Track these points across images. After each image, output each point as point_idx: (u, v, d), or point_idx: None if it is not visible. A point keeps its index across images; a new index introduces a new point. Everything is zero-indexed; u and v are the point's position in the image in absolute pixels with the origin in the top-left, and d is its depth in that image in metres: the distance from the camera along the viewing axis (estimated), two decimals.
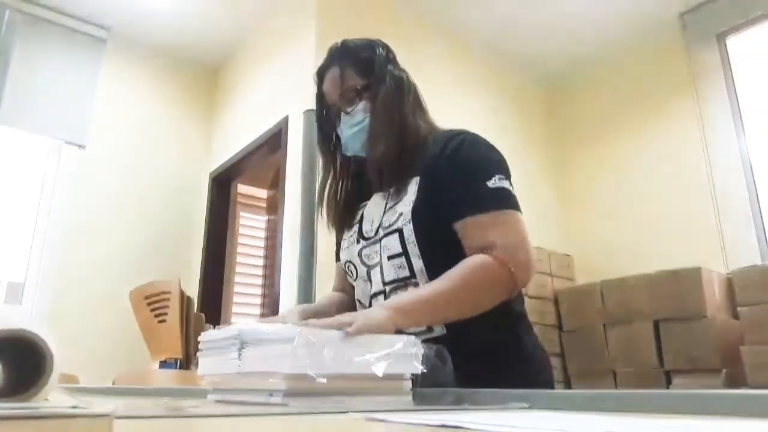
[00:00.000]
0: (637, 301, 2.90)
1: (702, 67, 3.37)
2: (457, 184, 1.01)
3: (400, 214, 1.04)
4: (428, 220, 1.02)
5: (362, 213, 1.15)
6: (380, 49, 1.19)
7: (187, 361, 2.50)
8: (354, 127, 1.13)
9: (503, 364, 0.99)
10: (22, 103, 3.20)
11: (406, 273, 1.02)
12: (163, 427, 0.47)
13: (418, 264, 1.01)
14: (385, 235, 1.06)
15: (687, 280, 2.71)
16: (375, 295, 1.07)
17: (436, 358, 0.78)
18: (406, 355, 0.71)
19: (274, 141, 3.21)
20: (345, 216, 1.18)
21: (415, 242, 1.01)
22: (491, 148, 1.09)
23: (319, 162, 1.30)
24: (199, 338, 0.80)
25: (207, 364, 0.78)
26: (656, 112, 3.57)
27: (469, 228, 0.99)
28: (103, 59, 3.59)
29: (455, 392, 0.75)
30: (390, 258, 1.04)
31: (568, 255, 3.66)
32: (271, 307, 2.98)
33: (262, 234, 4.14)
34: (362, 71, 1.15)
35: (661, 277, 2.83)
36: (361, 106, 1.13)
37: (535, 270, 1.00)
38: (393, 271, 1.04)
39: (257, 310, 3.99)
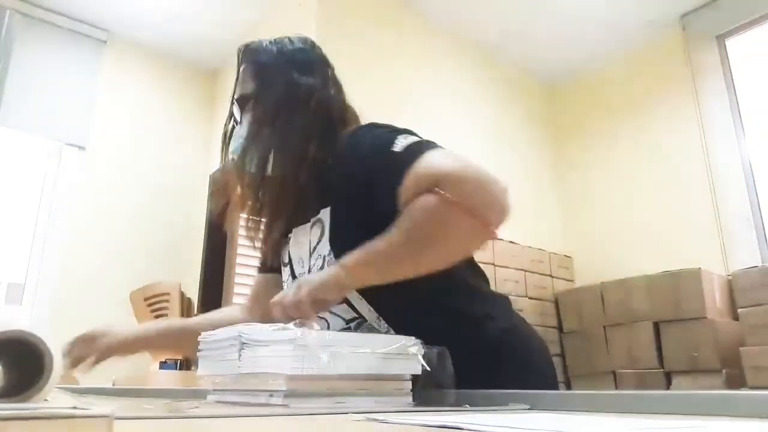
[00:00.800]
0: (637, 302, 2.90)
1: (702, 68, 3.37)
2: (374, 178, 0.87)
3: (324, 259, 0.92)
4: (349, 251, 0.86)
5: (288, 254, 1.02)
6: (287, 46, 1.02)
7: (187, 361, 2.50)
8: (238, 141, 0.99)
9: (469, 347, 0.84)
10: (22, 104, 3.20)
11: (353, 314, 0.92)
12: (163, 428, 0.47)
13: (362, 306, 0.90)
14: None
15: (687, 281, 2.72)
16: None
17: (437, 359, 0.78)
18: (406, 355, 0.71)
19: None
20: (274, 254, 1.06)
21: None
22: (377, 124, 0.96)
23: None
24: (199, 339, 0.80)
25: (207, 365, 0.78)
26: (656, 114, 3.57)
27: (405, 194, 0.82)
28: (103, 61, 3.60)
29: (455, 393, 0.75)
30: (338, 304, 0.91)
31: (568, 256, 3.66)
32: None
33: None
34: (258, 78, 1.00)
35: (661, 279, 2.83)
36: (246, 117, 0.99)
37: (493, 181, 0.80)
38: (341, 314, 0.93)
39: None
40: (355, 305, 0.91)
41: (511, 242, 3.23)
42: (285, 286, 1.03)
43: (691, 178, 3.31)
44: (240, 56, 1.05)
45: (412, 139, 0.88)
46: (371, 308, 0.90)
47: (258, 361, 0.68)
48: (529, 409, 0.63)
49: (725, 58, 3.33)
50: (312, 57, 1.04)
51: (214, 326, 1.00)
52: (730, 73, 3.29)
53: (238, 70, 1.04)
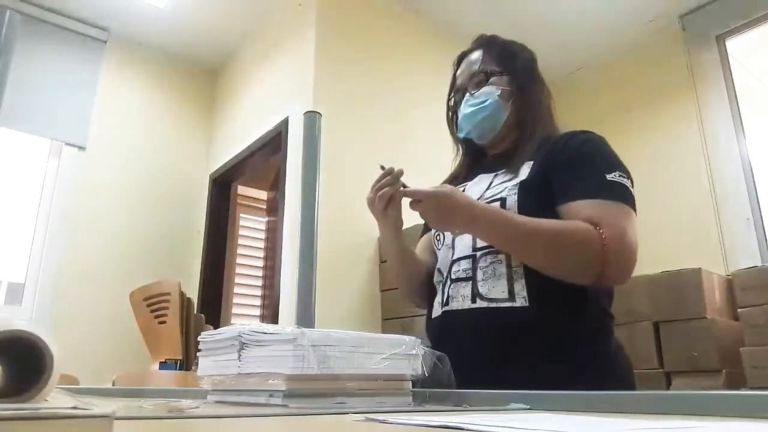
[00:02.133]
0: (636, 302, 2.90)
1: (702, 68, 3.37)
2: (573, 171, 0.99)
3: (506, 187, 1.02)
4: (534, 197, 0.99)
5: (463, 188, 1.14)
6: (526, 50, 1.21)
7: (187, 361, 2.50)
8: (472, 107, 1.13)
9: (585, 361, 0.94)
10: (22, 104, 3.20)
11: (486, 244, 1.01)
12: (163, 428, 0.47)
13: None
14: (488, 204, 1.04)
15: (687, 281, 2.71)
16: (457, 260, 1.05)
17: (437, 361, 0.78)
18: (406, 356, 0.71)
19: (275, 142, 3.21)
20: None
21: (515, 213, 0.99)
22: (610, 146, 1.09)
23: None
24: (199, 339, 0.80)
25: (207, 365, 0.78)
26: (656, 114, 3.57)
27: (575, 210, 0.95)
28: (103, 61, 3.60)
29: (456, 393, 0.75)
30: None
31: None
32: (271, 308, 2.98)
33: (262, 235, 4.13)
34: (501, 60, 1.16)
35: (661, 279, 2.83)
36: (488, 89, 1.14)
37: (631, 272, 0.98)
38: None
39: (257, 311, 3.99)
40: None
41: None
42: None
43: (691, 178, 3.31)
44: (485, 41, 1.23)
45: (625, 181, 1.01)
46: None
47: (258, 361, 0.68)
48: (529, 409, 0.63)
49: (725, 58, 3.32)
50: (536, 59, 1.23)
51: (421, 263, 1.22)
52: (730, 73, 3.29)
53: (469, 53, 1.24)
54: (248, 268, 4.06)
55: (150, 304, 2.70)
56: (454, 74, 1.26)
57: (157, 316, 2.66)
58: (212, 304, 3.57)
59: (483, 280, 0.99)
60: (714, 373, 2.54)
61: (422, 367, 0.73)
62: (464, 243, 1.06)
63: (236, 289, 3.86)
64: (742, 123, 3.20)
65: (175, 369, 2.53)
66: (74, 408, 0.27)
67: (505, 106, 1.13)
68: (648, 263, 3.04)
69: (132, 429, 0.42)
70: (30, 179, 3.34)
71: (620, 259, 0.93)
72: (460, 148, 1.25)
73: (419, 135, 3.23)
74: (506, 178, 1.05)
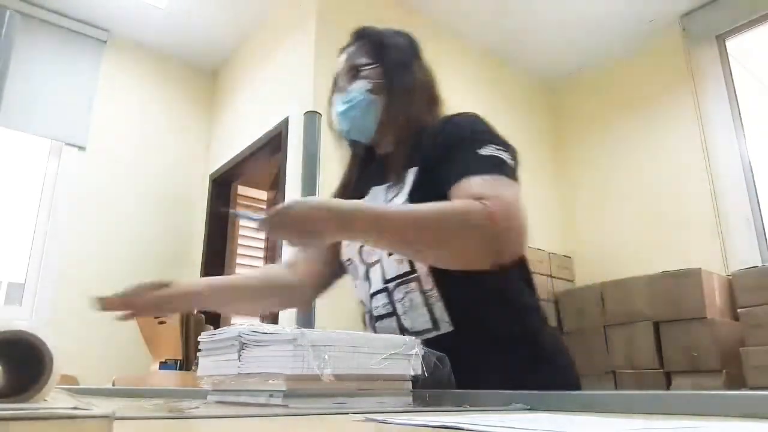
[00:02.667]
0: (637, 302, 2.90)
1: (702, 68, 3.37)
2: (450, 160, 0.94)
3: (397, 204, 0.99)
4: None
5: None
6: (401, 38, 1.15)
7: (187, 362, 2.50)
8: (344, 105, 1.08)
9: (522, 367, 0.91)
10: (22, 104, 3.20)
11: (406, 268, 0.97)
12: (163, 428, 0.47)
13: (421, 268, 0.96)
14: (375, 265, 1.00)
15: (687, 281, 2.71)
16: (375, 293, 1.02)
17: (437, 361, 0.78)
18: (406, 356, 0.71)
19: (274, 142, 3.21)
20: None
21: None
22: (482, 122, 1.03)
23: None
24: (199, 339, 0.80)
25: (207, 365, 0.78)
26: (656, 114, 3.57)
27: (455, 194, 0.90)
28: (103, 61, 3.60)
29: (455, 393, 0.75)
30: (390, 254, 0.99)
31: (568, 256, 3.66)
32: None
33: (262, 235, 4.14)
34: (373, 54, 1.10)
35: (661, 279, 2.83)
36: (359, 84, 1.08)
37: (523, 241, 0.90)
38: (393, 266, 0.98)
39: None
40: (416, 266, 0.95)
41: None
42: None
43: (691, 179, 3.31)
44: (358, 35, 1.16)
45: (499, 154, 0.93)
46: (430, 273, 0.95)
47: (258, 361, 0.68)
48: (529, 409, 0.63)
49: (725, 58, 3.33)
50: (417, 45, 1.16)
51: (267, 285, 1.17)
52: (730, 73, 3.29)
53: (352, 46, 1.13)
54: (248, 268, 4.06)
55: None
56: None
57: (156, 316, 2.66)
58: None
59: (404, 313, 0.97)
60: (714, 373, 2.55)
61: (422, 367, 0.73)
62: (377, 275, 1.01)
63: None
64: (742, 123, 3.20)
65: (175, 369, 2.53)
66: (74, 408, 0.27)
67: (376, 100, 1.07)
68: (648, 263, 3.06)
69: (132, 429, 0.43)
70: (30, 179, 3.34)
71: (510, 228, 0.86)
72: (349, 150, 1.18)
73: None
74: (395, 191, 1.00)
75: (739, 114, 3.22)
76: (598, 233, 3.71)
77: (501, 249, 0.86)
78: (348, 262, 1.11)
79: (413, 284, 0.96)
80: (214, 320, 3.43)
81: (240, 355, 0.70)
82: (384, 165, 1.07)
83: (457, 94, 4.05)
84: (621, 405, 0.58)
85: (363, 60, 1.09)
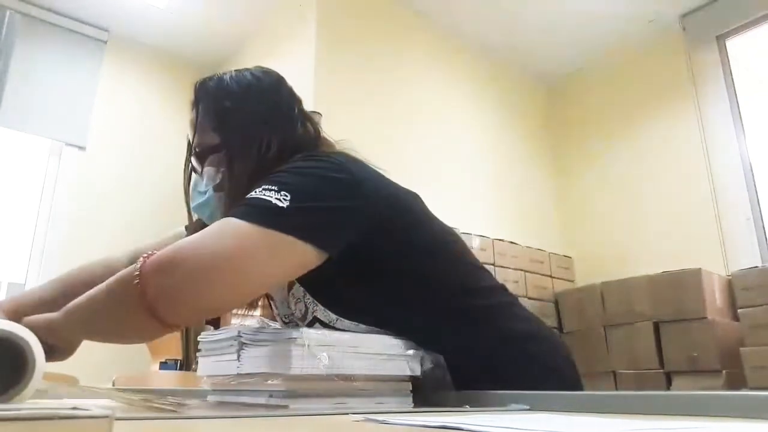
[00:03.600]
0: (637, 302, 2.90)
1: (702, 68, 3.37)
2: None
3: (304, 302, 0.87)
4: (322, 285, 0.82)
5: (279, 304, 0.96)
6: (253, 86, 0.91)
7: (187, 361, 2.50)
8: (199, 198, 0.91)
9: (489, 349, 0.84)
10: (22, 104, 3.19)
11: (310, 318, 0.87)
12: (163, 429, 0.47)
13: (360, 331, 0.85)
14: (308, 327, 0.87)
15: (687, 281, 2.71)
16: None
17: (434, 361, 0.78)
18: (406, 356, 0.71)
19: None
20: None
21: (339, 317, 0.83)
22: (292, 164, 0.80)
23: None
24: (198, 339, 0.80)
25: (207, 365, 0.78)
26: (656, 114, 3.57)
27: None
28: (104, 61, 3.59)
29: (455, 394, 0.75)
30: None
31: (568, 256, 3.66)
32: (270, 308, 2.97)
33: None
34: (218, 125, 0.89)
35: (662, 279, 2.83)
36: (206, 171, 0.89)
37: (206, 303, 0.70)
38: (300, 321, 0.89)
39: (257, 311, 3.98)
40: (337, 327, 0.83)
41: (511, 242, 3.23)
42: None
43: (691, 179, 3.31)
44: (197, 95, 0.92)
45: (263, 194, 0.72)
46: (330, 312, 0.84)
47: (257, 361, 0.68)
48: (529, 409, 0.63)
49: (725, 58, 3.33)
50: (280, 97, 0.93)
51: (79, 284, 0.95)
52: (730, 73, 3.29)
53: (195, 111, 0.91)
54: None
55: None
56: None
57: None
58: None
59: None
60: (714, 373, 2.55)
61: (420, 368, 0.73)
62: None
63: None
64: (742, 123, 3.20)
65: (175, 369, 2.53)
66: (74, 408, 0.27)
67: (232, 197, 0.85)
68: (648, 263, 3.06)
69: (132, 429, 0.42)
70: (30, 179, 3.34)
71: (166, 291, 0.66)
72: None
73: (420, 134, 3.23)
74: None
75: (739, 114, 3.22)
76: (598, 233, 3.71)
77: (165, 315, 0.67)
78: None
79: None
80: (214, 320, 3.43)
81: (239, 355, 0.70)
82: None
83: (456, 96, 4.06)
84: (621, 405, 0.58)
85: (206, 139, 0.89)
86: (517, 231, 3.39)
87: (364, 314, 0.81)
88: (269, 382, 0.65)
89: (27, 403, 0.38)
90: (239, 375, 0.70)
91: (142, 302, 0.66)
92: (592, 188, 3.85)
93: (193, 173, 0.92)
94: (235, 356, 0.70)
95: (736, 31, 3.31)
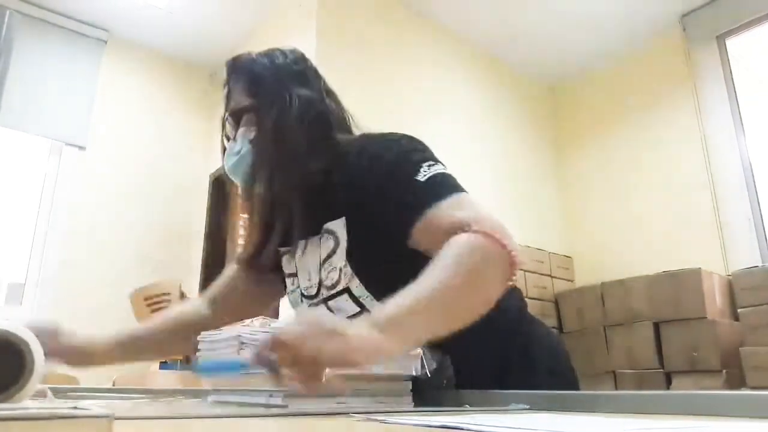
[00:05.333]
0: (637, 302, 2.90)
1: (702, 68, 3.37)
2: (385, 200, 0.83)
3: (340, 270, 0.87)
4: (373, 264, 0.85)
5: (294, 263, 0.97)
6: (280, 58, 0.99)
7: (187, 361, 2.50)
8: (233, 158, 0.95)
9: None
10: (22, 104, 3.20)
11: (340, 286, 0.88)
12: (163, 428, 0.47)
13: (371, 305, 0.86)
14: (332, 297, 0.89)
15: (687, 281, 2.71)
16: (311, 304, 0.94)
17: (437, 362, 0.78)
18: (406, 356, 0.71)
19: None
20: (267, 255, 0.99)
21: (371, 296, 0.85)
22: (396, 139, 0.92)
23: None
24: (198, 339, 0.80)
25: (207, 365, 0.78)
26: (656, 114, 3.57)
27: (422, 234, 0.78)
28: (104, 61, 3.59)
29: (456, 393, 0.75)
30: (351, 317, 0.84)
31: (568, 256, 3.66)
32: (271, 308, 2.98)
33: None
34: (249, 90, 0.96)
35: (662, 279, 2.83)
36: (241, 133, 0.95)
37: (513, 242, 0.77)
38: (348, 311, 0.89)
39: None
40: (365, 304, 0.86)
41: None
42: (293, 297, 0.98)
43: (691, 178, 3.31)
44: (230, 70, 1.00)
45: (435, 169, 0.82)
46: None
47: None
48: (529, 409, 0.63)
49: (725, 58, 3.33)
50: (305, 68, 1.02)
51: (182, 328, 1.03)
52: (730, 73, 3.29)
53: (228, 84, 1.00)
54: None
55: (150, 304, 2.70)
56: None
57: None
58: None
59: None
60: (714, 373, 2.55)
61: (423, 367, 0.72)
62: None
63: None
64: (742, 123, 3.20)
65: (176, 369, 2.53)
66: (74, 408, 0.27)
67: (263, 149, 0.92)
68: (648, 263, 3.06)
69: (132, 429, 0.43)
70: (30, 179, 3.34)
71: (510, 242, 0.74)
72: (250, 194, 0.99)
73: (420, 135, 3.23)
74: (330, 248, 0.89)
75: (740, 114, 3.22)
76: (598, 233, 3.71)
77: (513, 266, 0.74)
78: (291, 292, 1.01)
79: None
80: None
81: (239, 355, 0.70)
82: (296, 216, 0.93)
83: (457, 96, 4.06)
84: (621, 405, 0.58)
85: (241, 102, 0.96)
86: (517, 231, 3.38)
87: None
88: (269, 381, 0.65)
89: (27, 403, 0.38)
90: (240, 375, 0.70)
91: (503, 255, 0.72)
92: (592, 188, 3.85)
93: (226, 142, 0.97)
94: (235, 356, 0.70)
95: (736, 31, 3.31)
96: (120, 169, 3.55)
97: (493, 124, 3.79)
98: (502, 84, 3.94)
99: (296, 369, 0.55)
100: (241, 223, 1.10)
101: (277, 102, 0.92)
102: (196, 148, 3.93)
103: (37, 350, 0.39)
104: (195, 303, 1.12)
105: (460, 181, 0.84)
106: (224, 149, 0.99)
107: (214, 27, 3.64)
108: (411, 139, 0.92)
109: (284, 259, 1.00)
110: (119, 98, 3.65)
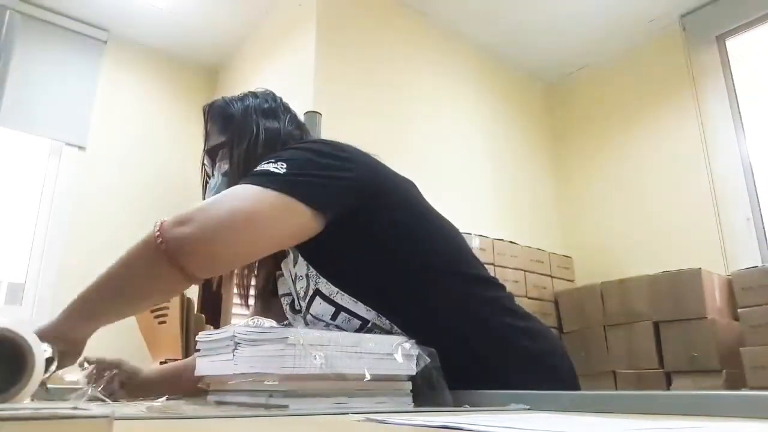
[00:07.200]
0: (637, 302, 2.90)
1: (702, 68, 3.37)
2: None
3: (306, 276, 0.90)
4: (327, 256, 0.87)
5: (286, 284, 1.01)
6: (250, 99, 1.07)
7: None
8: (211, 193, 1.01)
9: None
10: (22, 104, 3.20)
11: (357, 323, 0.87)
12: (163, 428, 0.47)
13: (360, 310, 0.86)
14: (308, 305, 0.90)
15: (687, 281, 2.71)
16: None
17: (427, 357, 0.77)
18: (406, 356, 0.71)
19: None
20: (272, 282, 1.08)
21: (340, 291, 0.86)
22: (298, 147, 0.92)
23: None
24: (196, 339, 0.80)
25: (205, 366, 0.78)
26: (656, 113, 3.57)
27: None
28: (104, 61, 3.60)
29: (456, 393, 0.75)
30: (333, 318, 0.88)
31: (567, 256, 3.66)
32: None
33: None
34: (224, 128, 1.04)
35: (661, 279, 2.83)
36: (217, 167, 1.02)
37: (221, 253, 0.79)
38: (347, 327, 0.88)
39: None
40: (338, 301, 0.87)
41: (511, 242, 3.23)
42: (288, 317, 1.02)
43: (691, 178, 3.31)
44: (206, 114, 1.09)
45: (269, 166, 0.82)
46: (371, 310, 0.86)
47: (251, 360, 0.68)
48: (529, 409, 0.63)
49: (725, 58, 3.33)
50: (275, 105, 1.10)
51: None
52: (730, 73, 3.29)
53: (206, 128, 1.09)
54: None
55: None
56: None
57: (157, 316, 2.66)
58: (212, 304, 3.57)
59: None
60: (714, 373, 2.55)
61: (415, 365, 0.72)
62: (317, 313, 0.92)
63: (236, 290, 3.85)
64: (742, 123, 3.20)
65: None
66: (74, 408, 0.27)
67: (236, 176, 0.96)
68: (648, 263, 3.06)
69: (132, 429, 0.43)
70: (30, 179, 3.34)
71: (186, 245, 0.76)
72: None
73: (420, 134, 3.23)
74: (291, 263, 0.93)
75: (740, 114, 3.22)
76: (598, 233, 3.71)
77: (185, 264, 0.76)
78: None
79: (357, 322, 0.88)
80: (214, 320, 3.43)
81: (234, 355, 0.70)
82: None
83: (456, 95, 4.06)
84: (621, 405, 0.58)
85: (215, 140, 1.04)
86: (517, 231, 3.39)
87: (362, 292, 0.85)
88: (269, 382, 0.65)
89: (27, 403, 0.38)
90: (237, 375, 0.70)
91: (164, 253, 0.75)
92: (592, 188, 3.85)
93: (208, 179, 1.04)
94: (230, 356, 0.70)
95: (736, 31, 3.31)
96: (120, 169, 3.55)
97: (493, 123, 3.79)
98: (502, 83, 3.94)
99: None
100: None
101: (246, 135, 0.99)
102: (196, 147, 3.91)
103: (38, 350, 0.39)
104: None
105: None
106: (204, 186, 1.07)
107: (214, 27, 3.64)
108: (311, 142, 0.96)
109: (279, 282, 1.05)
110: (119, 98, 3.65)
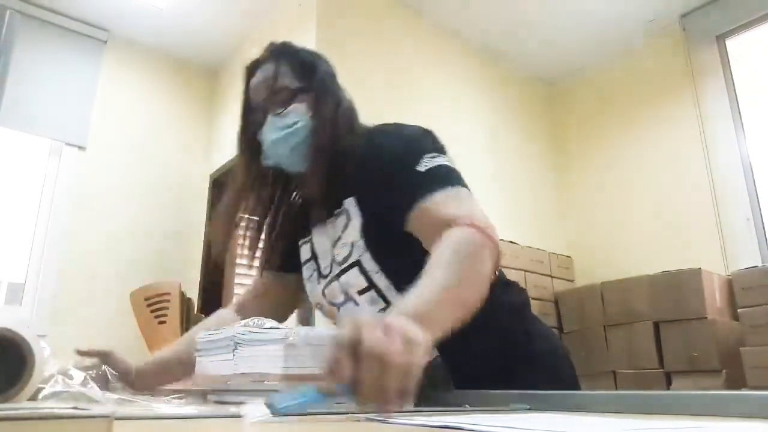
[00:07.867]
0: (637, 302, 2.90)
1: (702, 68, 3.37)
2: (388, 186, 0.88)
3: (351, 245, 0.92)
4: (385, 239, 0.90)
5: (312, 249, 1.02)
6: (325, 63, 1.08)
7: None
8: (283, 130, 0.97)
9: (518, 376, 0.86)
10: (22, 104, 3.19)
11: (382, 305, 0.90)
12: (163, 428, 0.47)
13: (391, 295, 0.89)
14: (342, 272, 0.93)
15: (687, 281, 2.71)
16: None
17: (432, 359, 0.77)
18: None
19: None
20: (284, 255, 1.08)
21: (380, 271, 0.90)
22: (405, 131, 0.97)
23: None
24: (196, 339, 0.80)
25: (204, 365, 0.78)
26: (656, 113, 3.57)
27: (416, 221, 0.85)
28: (104, 61, 3.60)
29: (456, 393, 0.75)
30: (361, 293, 0.92)
31: (568, 256, 3.66)
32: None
33: (263, 235, 4.13)
34: (300, 74, 1.02)
35: (662, 279, 2.83)
36: (294, 108, 0.99)
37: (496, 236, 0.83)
38: (368, 306, 0.91)
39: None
40: (373, 279, 0.90)
41: (511, 242, 3.23)
42: (310, 283, 1.02)
43: (691, 178, 3.31)
44: (275, 51, 1.06)
45: (436, 161, 0.89)
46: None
47: (256, 361, 0.68)
48: (529, 409, 0.63)
49: (725, 58, 3.33)
50: (333, 67, 1.11)
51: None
52: (730, 73, 3.29)
53: (261, 63, 1.06)
54: (249, 267, 4.05)
55: (150, 304, 2.71)
56: (246, 87, 1.08)
57: (157, 316, 2.66)
58: (212, 303, 3.57)
59: None
60: (714, 373, 2.55)
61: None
62: (350, 312, 0.93)
63: (236, 289, 3.86)
64: (742, 123, 3.20)
65: None
66: (74, 408, 0.27)
67: (315, 127, 0.97)
68: (648, 263, 3.06)
69: (132, 429, 0.42)
70: (30, 179, 3.34)
71: (497, 240, 0.79)
72: (260, 181, 1.05)
73: None
74: (342, 228, 0.94)
75: (739, 114, 3.22)
76: (598, 233, 3.71)
77: (499, 259, 0.82)
78: (318, 306, 1.04)
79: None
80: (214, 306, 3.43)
81: (234, 355, 0.70)
82: (314, 197, 1.00)
83: (457, 95, 4.05)
84: (621, 405, 0.58)
85: (295, 82, 1.01)
86: (517, 231, 3.39)
87: (402, 282, 0.82)
88: (267, 381, 0.65)
89: (27, 402, 0.38)
90: (236, 374, 0.70)
91: (495, 251, 0.78)
92: (592, 188, 3.85)
93: (267, 115, 0.99)
94: (230, 356, 0.70)
95: (736, 31, 3.31)
96: (120, 169, 3.55)
97: (493, 123, 3.79)
98: (502, 84, 3.94)
99: (384, 383, 0.49)
100: (242, 224, 1.13)
101: (331, 93, 1.02)
102: (196, 147, 3.93)
103: (38, 350, 0.39)
104: (222, 313, 1.16)
105: None
106: (246, 124, 1.05)
107: (213, 27, 3.64)
108: (422, 130, 0.97)
109: (302, 249, 1.05)
110: (119, 98, 3.65)
